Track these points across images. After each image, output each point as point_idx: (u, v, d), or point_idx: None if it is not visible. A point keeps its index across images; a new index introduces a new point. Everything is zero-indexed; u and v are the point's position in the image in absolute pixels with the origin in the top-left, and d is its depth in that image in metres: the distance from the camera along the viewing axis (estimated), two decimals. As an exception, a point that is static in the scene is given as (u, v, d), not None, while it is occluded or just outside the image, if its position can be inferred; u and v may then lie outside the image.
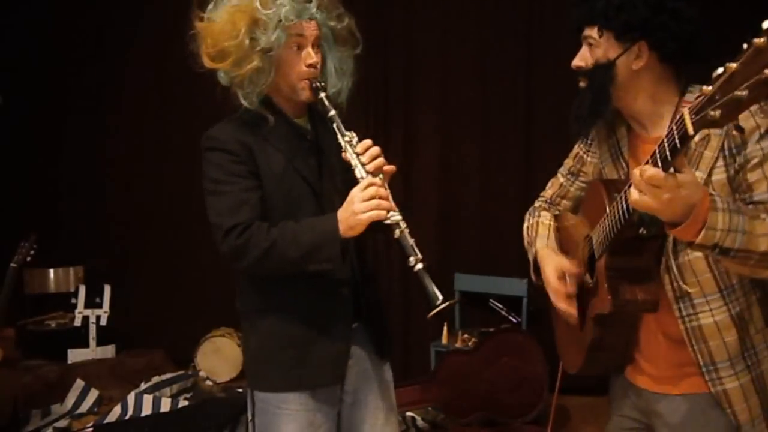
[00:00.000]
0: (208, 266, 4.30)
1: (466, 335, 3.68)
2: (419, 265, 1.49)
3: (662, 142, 1.08)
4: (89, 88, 4.55)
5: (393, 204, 1.55)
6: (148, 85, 4.48)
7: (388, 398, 1.85)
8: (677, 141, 1.04)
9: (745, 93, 0.89)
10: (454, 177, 4.07)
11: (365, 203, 1.52)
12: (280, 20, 1.58)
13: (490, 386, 3.30)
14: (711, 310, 1.35)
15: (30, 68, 4.46)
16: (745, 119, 1.27)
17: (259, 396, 1.75)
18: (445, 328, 3.77)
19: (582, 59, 1.44)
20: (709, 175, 1.31)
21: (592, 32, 1.40)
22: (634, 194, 1.14)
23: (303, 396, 1.70)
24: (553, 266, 1.56)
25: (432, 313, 1.46)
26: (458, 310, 3.97)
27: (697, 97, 0.98)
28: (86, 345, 4.10)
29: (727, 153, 1.30)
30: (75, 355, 4.05)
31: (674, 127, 1.04)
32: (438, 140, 4.10)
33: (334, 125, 1.64)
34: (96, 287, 4.24)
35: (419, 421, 3.48)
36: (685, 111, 1.00)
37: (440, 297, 1.46)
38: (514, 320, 3.83)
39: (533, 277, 1.70)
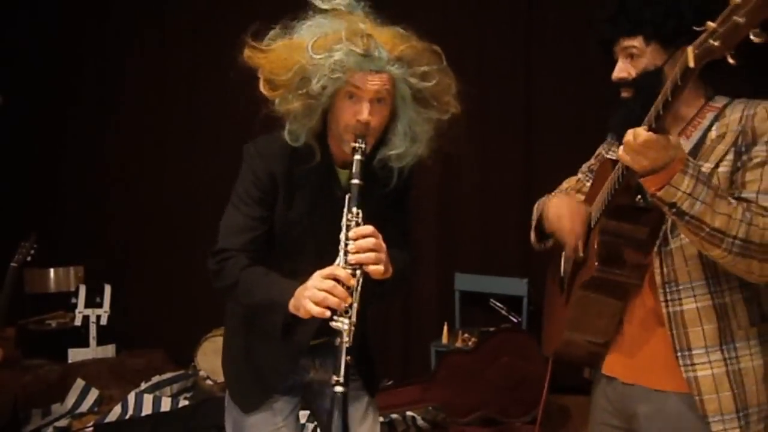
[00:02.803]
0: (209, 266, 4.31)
1: (466, 335, 3.69)
2: (338, 388, 1.35)
3: (666, 83, 1.14)
4: (90, 88, 4.56)
5: (346, 306, 1.40)
6: (149, 86, 4.47)
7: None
8: (679, 78, 1.10)
9: (743, 19, 0.96)
10: (454, 177, 4.07)
11: (316, 293, 1.40)
12: (334, 69, 1.46)
13: (490, 386, 3.30)
14: (695, 296, 1.38)
15: (31, 68, 4.47)
16: (762, 121, 1.34)
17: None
18: (445, 327, 3.77)
19: (623, 71, 1.45)
20: (716, 166, 1.36)
21: (635, 42, 1.42)
22: (624, 150, 1.24)
23: None
24: (566, 200, 1.60)
25: None
26: (458, 310, 3.97)
27: (702, 32, 1.04)
28: (86, 345, 4.09)
29: (737, 149, 1.35)
30: (75, 355, 4.04)
31: (678, 67, 1.10)
32: (438, 140, 4.09)
33: (348, 195, 1.50)
34: (96, 287, 4.24)
35: (419, 421, 3.48)
36: (690, 47, 1.06)
37: None
38: (514, 320, 3.83)
39: (533, 237, 1.74)
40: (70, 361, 4.00)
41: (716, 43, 1.00)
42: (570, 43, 3.71)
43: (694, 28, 1.06)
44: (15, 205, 4.41)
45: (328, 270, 1.43)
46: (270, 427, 1.72)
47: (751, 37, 0.96)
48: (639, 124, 1.25)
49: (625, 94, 1.46)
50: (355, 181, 1.50)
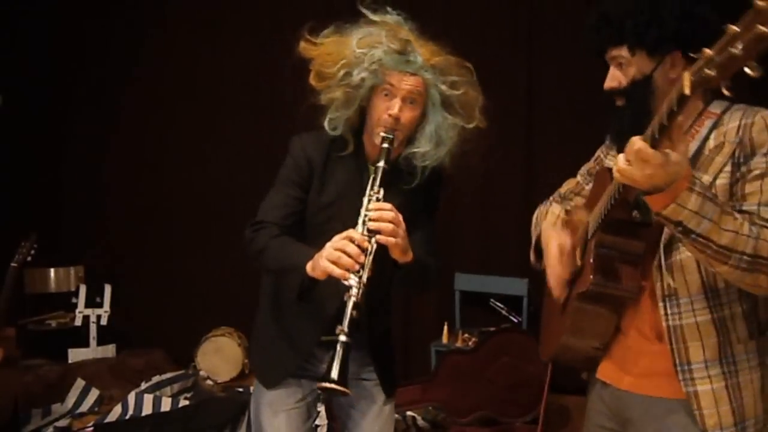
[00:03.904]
0: (209, 266, 4.31)
1: (466, 335, 3.69)
2: (342, 337, 1.48)
3: (662, 108, 1.12)
4: (91, 88, 4.56)
5: (358, 267, 1.53)
6: (151, 87, 4.47)
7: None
8: (675, 104, 1.08)
9: (740, 50, 0.94)
10: (454, 176, 4.06)
11: (331, 251, 1.54)
12: (373, 63, 1.65)
13: (490, 386, 3.30)
14: (694, 310, 1.36)
15: (32, 68, 4.47)
16: (759, 132, 1.31)
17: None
18: (445, 327, 3.77)
19: (614, 79, 1.44)
20: (715, 178, 1.34)
21: (621, 52, 1.40)
22: (620, 161, 1.20)
23: None
24: (557, 243, 1.58)
25: (320, 384, 1.47)
26: (458, 310, 3.98)
27: (698, 59, 1.01)
28: (87, 344, 4.10)
29: (735, 161, 1.33)
30: (75, 355, 4.05)
31: (674, 92, 1.08)
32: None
33: (372, 176, 1.67)
34: (96, 287, 4.24)
35: (419, 421, 3.48)
36: (686, 73, 1.04)
37: (335, 378, 1.45)
38: (514, 320, 3.84)
39: (533, 257, 1.73)
40: (70, 361, 4.01)
41: (712, 73, 0.98)
42: (571, 44, 3.70)
43: (691, 54, 1.04)
44: (15, 205, 4.41)
45: (344, 233, 1.57)
46: (284, 406, 1.84)
47: (747, 70, 0.94)
48: (632, 134, 1.23)
49: (618, 103, 1.45)
50: (380, 163, 1.66)
